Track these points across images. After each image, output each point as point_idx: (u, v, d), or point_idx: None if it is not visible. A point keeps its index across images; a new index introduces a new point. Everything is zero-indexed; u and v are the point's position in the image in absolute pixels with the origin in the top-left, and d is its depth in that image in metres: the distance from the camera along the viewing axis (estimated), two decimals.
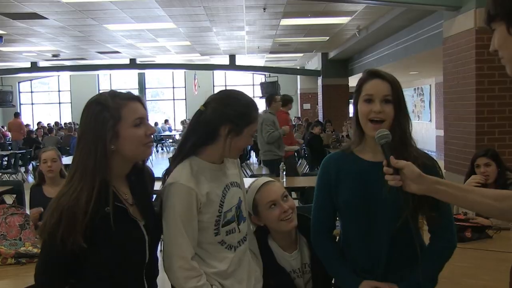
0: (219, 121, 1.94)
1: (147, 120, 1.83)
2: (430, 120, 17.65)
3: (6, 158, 12.06)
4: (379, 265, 1.99)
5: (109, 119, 1.70)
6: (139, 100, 1.82)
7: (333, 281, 2.33)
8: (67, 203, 1.63)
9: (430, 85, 17.84)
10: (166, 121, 23.75)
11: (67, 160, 9.52)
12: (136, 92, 1.99)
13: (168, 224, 1.87)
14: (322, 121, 14.03)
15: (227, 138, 1.93)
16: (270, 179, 2.36)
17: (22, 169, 13.00)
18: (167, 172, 1.98)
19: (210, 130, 1.95)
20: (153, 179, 2.00)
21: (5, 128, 20.42)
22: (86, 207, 1.63)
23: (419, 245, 1.91)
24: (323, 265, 2.25)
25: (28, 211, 4.25)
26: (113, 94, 1.78)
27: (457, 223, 3.20)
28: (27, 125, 19.12)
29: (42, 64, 18.06)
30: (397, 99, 1.90)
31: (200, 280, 1.88)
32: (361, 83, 1.97)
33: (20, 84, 25.19)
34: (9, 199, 4.60)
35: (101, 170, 1.68)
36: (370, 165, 1.98)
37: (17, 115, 18.31)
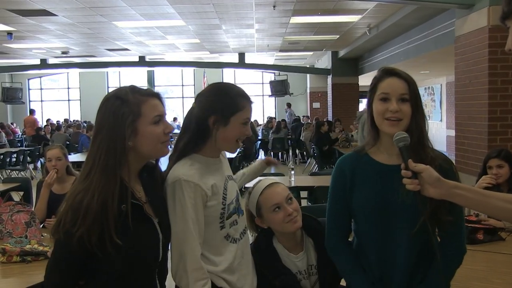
0: (206, 114, 1.93)
1: (165, 118, 1.79)
2: (441, 120, 17.54)
3: (15, 155, 12.10)
4: (396, 273, 1.94)
5: (129, 114, 1.66)
6: (159, 97, 1.78)
7: (340, 283, 2.29)
8: (91, 202, 1.58)
9: (441, 85, 17.73)
10: (175, 119, 23.78)
11: (75, 157, 9.61)
12: None
13: (176, 222, 1.85)
14: (331, 120, 13.99)
15: (214, 129, 1.92)
16: (274, 180, 2.32)
17: (31, 166, 13.06)
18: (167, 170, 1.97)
19: (199, 124, 1.94)
20: (164, 177, 1.96)
21: (15, 124, 20.58)
22: (114, 207, 1.60)
23: (438, 250, 1.85)
24: (330, 267, 2.21)
25: (33, 208, 4.25)
26: (133, 89, 1.74)
27: (469, 225, 3.14)
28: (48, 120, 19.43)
29: (51, 61, 18.13)
30: (414, 98, 1.85)
31: (206, 284, 1.86)
32: (376, 81, 1.92)
33: (30, 81, 25.34)
34: (16, 197, 4.62)
35: (121, 167, 1.65)
36: (385, 168, 1.93)
37: (32, 111, 18.51)
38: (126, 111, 1.66)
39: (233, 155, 8.50)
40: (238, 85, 2.06)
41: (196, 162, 1.93)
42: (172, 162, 1.96)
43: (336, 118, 14.24)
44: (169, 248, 1.92)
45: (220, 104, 1.92)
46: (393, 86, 1.86)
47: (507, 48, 1.28)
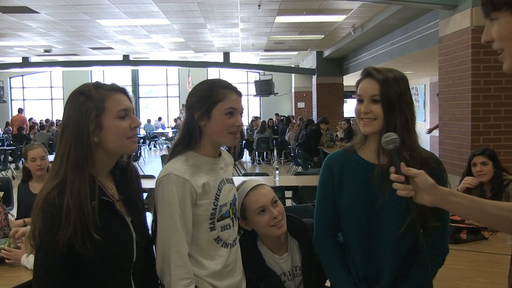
0: (191, 112, 1.93)
1: (133, 113, 1.76)
2: (425, 120, 17.67)
3: None
4: (382, 272, 1.94)
5: (92, 109, 1.65)
6: (124, 92, 1.77)
7: (326, 284, 2.28)
8: (68, 202, 1.56)
9: (425, 85, 17.86)
10: (159, 119, 23.69)
11: None
12: (129, 89, 1.96)
13: (162, 218, 1.83)
14: (316, 120, 13.99)
15: (202, 125, 1.91)
16: (259, 181, 2.29)
17: (12, 166, 12.89)
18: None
19: (187, 123, 1.95)
20: (138, 175, 1.94)
21: None
22: (88, 204, 1.58)
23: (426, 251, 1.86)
24: (315, 268, 2.20)
25: (15, 208, 4.20)
26: (97, 84, 1.73)
27: (453, 224, 3.15)
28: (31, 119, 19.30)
29: (33, 59, 17.91)
30: (385, 99, 1.86)
31: (189, 285, 1.83)
32: (357, 83, 1.97)
33: (12, 79, 25.03)
34: None
35: (88, 163, 1.63)
36: (373, 167, 1.92)
37: (20, 110, 18.30)
38: (89, 106, 1.65)
39: None
40: (223, 79, 2.03)
41: (190, 159, 1.91)
42: (165, 162, 1.95)
43: (322, 117, 14.24)
44: (153, 249, 1.90)
45: (200, 98, 1.92)
46: (365, 88, 1.91)
47: (485, 39, 1.27)
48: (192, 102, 1.93)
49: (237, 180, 2.25)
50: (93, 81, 1.83)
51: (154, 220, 1.92)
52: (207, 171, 1.92)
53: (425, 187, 1.60)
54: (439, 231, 1.92)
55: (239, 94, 1.97)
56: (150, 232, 1.94)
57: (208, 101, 1.89)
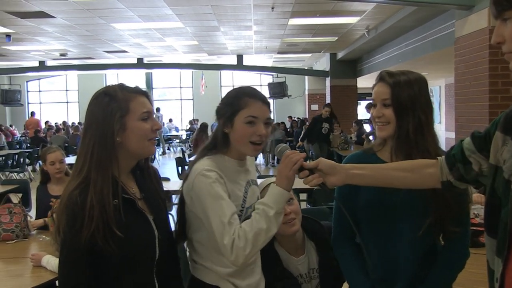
0: (217, 118, 1.94)
1: (153, 115, 1.80)
2: (440, 122, 17.54)
3: (15, 157, 12.09)
4: (399, 274, 1.93)
5: (117, 110, 1.68)
6: (146, 95, 1.80)
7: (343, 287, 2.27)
8: (91, 200, 1.59)
9: (440, 87, 17.74)
10: (170, 120, 23.69)
11: (74, 159, 9.54)
12: None
13: (206, 212, 1.77)
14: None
15: (228, 132, 1.89)
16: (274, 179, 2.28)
17: (29, 168, 13.03)
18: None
19: (217, 130, 1.95)
20: (158, 175, 1.97)
21: (13, 127, 20.58)
22: (110, 202, 1.61)
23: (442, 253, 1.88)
24: (332, 271, 2.19)
25: (34, 210, 4.26)
26: (121, 86, 1.76)
27: (471, 228, 3.11)
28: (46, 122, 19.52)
29: (49, 63, 18.10)
30: (396, 102, 1.87)
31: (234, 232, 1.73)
32: (372, 87, 2.00)
33: (28, 83, 25.30)
34: (15, 198, 4.60)
35: (112, 163, 1.66)
36: None
37: (33, 113, 18.47)
38: (114, 107, 1.68)
39: None
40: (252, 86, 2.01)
41: (217, 161, 1.88)
42: (191, 165, 1.93)
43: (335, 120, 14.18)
44: (176, 248, 1.92)
45: (225, 105, 1.91)
46: (377, 93, 1.92)
47: (497, 40, 1.25)
48: (219, 108, 1.93)
49: None
50: (107, 84, 1.86)
51: (180, 221, 1.93)
52: (234, 176, 1.91)
53: (328, 170, 1.68)
54: (459, 234, 1.90)
55: (264, 102, 1.90)
56: (173, 233, 1.95)
57: (231, 108, 1.88)
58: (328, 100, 17.58)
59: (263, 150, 1.97)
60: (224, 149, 1.92)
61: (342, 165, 1.73)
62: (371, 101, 2.01)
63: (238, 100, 1.88)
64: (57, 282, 2.31)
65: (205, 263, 1.90)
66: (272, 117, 1.97)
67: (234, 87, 2.04)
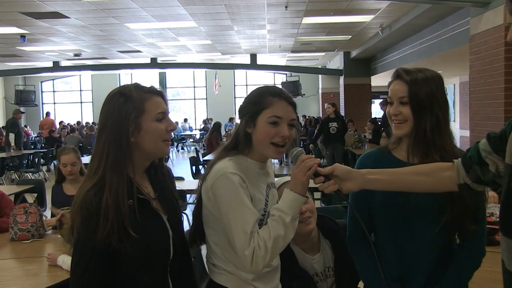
0: (240, 117, 1.88)
1: (168, 116, 1.78)
2: (454, 120, 17.40)
3: (30, 157, 12.21)
4: (415, 273, 1.91)
5: (132, 110, 1.66)
6: (162, 95, 1.78)
7: (358, 286, 2.25)
8: (107, 200, 1.59)
9: (454, 85, 17.59)
10: (185, 120, 23.82)
11: (88, 159, 9.61)
12: None
13: (228, 218, 1.72)
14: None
15: (248, 131, 1.82)
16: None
17: (44, 168, 13.15)
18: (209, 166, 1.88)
19: (238, 129, 1.88)
20: (172, 175, 1.96)
21: (28, 127, 20.79)
22: (125, 202, 1.61)
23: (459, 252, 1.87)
24: (348, 269, 2.18)
25: (49, 209, 4.28)
26: (137, 86, 1.74)
27: (487, 226, 3.07)
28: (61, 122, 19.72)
29: (64, 63, 18.26)
30: (414, 100, 1.84)
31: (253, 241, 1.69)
32: (388, 84, 1.97)
33: (43, 83, 25.53)
34: (30, 198, 4.63)
35: (127, 163, 1.66)
36: (406, 166, 1.89)
37: (48, 114, 18.66)
38: (129, 107, 1.66)
39: None
40: (278, 86, 1.97)
41: (239, 162, 1.81)
42: (210, 164, 1.86)
43: (349, 119, 14.13)
44: (189, 248, 1.89)
45: (248, 104, 1.84)
46: (394, 90, 1.90)
47: (510, 38, 1.23)
48: (242, 107, 1.87)
49: None
50: (121, 84, 1.84)
51: (196, 222, 1.88)
52: (255, 179, 1.84)
53: (344, 176, 1.67)
54: (476, 232, 1.88)
55: (289, 102, 1.82)
56: (186, 234, 1.92)
57: (254, 107, 1.81)
58: (342, 99, 17.53)
59: None
60: (246, 150, 1.85)
61: (357, 170, 1.71)
62: (385, 98, 1.99)
63: (262, 99, 1.81)
64: None
65: (227, 267, 1.82)
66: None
67: (248, 86, 2.00)
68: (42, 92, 25.61)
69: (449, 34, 9.52)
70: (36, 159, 12.17)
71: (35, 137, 19.11)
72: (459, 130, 16.68)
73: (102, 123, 1.70)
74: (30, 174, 11.96)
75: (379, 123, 12.11)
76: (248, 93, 1.92)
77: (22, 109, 17.84)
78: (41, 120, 20.54)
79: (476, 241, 1.91)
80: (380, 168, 1.89)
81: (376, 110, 18.16)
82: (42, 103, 25.31)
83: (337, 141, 10.96)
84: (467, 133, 7.89)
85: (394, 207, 1.91)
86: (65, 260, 2.83)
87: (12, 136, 13.98)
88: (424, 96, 1.84)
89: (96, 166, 1.66)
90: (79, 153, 4.18)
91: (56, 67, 18.18)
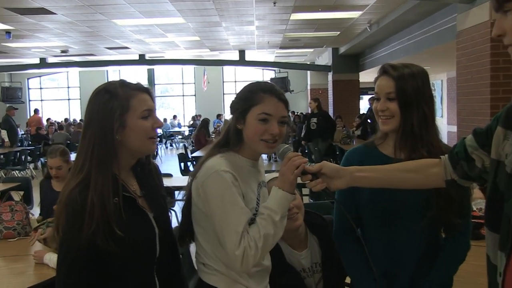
0: (231, 113, 1.86)
1: (155, 113, 1.76)
2: (442, 116, 17.51)
3: (17, 155, 12.11)
4: (401, 269, 1.93)
5: (117, 108, 1.65)
6: (148, 92, 1.76)
7: (346, 281, 2.26)
8: (92, 198, 1.57)
9: (442, 80, 17.70)
10: (174, 117, 23.76)
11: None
12: None
13: (219, 217, 1.70)
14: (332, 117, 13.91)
15: (238, 128, 1.80)
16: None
17: (31, 166, 13.05)
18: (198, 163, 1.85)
19: (229, 125, 1.87)
20: (159, 172, 1.94)
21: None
22: (110, 200, 1.59)
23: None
24: (335, 265, 2.19)
25: (36, 207, 4.25)
26: (122, 83, 1.73)
27: (472, 220, 3.10)
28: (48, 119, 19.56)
29: (51, 60, 18.09)
30: (401, 96, 1.85)
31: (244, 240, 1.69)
32: (375, 80, 1.96)
33: (29, 80, 25.31)
34: (17, 196, 4.60)
35: (112, 161, 1.64)
36: (393, 162, 1.89)
37: (36, 111, 18.52)
38: (115, 104, 1.65)
39: None
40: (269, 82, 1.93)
41: (230, 159, 1.79)
42: (201, 161, 1.83)
43: (338, 115, 14.17)
44: (177, 246, 1.87)
45: (239, 100, 1.82)
46: (381, 86, 1.90)
47: (497, 33, 1.23)
48: (233, 102, 1.85)
49: None
50: (109, 80, 1.82)
51: (186, 220, 1.86)
52: (247, 177, 1.82)
53: (332, 174, 1.66)
54: (461, 226, 1.90)
55: (280, 99, 1.79)
56: (175, 231, 1.91)
57: (244, 103, 1.79)
58: (330, 95, 17.56)
59: None
60: (237, 147, 1.83)
61: (345, 168, 1.70)
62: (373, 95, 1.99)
63: (252, 95, 1.79)
64: None
65: (218, 267, 1.79)
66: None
67: (237, 83, 1.99)
68: (28, 89, 25.39)
69: (436, 30, 9.57)
70: (23, 157, 12.06)
71: (22, 134, 18.94)
72: (446, 126, 16.78)
73: (88, 120, 1.69)
74: (17, 171, 11.86)
75: (368, 120, 12.12)
76: (241, 88, 1.90)
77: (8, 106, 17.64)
78: (29, 118, 20.37)
79: (461, 235, 1.93)
80: (367, 164, 1.89)
81: (365, 106, 18.21)
82: (29, 100, 25.09)
83: (317, 136, 10.93)
84: (454, 128, 7.96)
85: (380, 203, 1.91)
86: (51, 258, 2.81)
87: (4, 133, 13.85)
88: (411, 91, 1.84)
89: (81, 164, 1.65)
90: (68, 154, 4.08)
91: (43, 63, 18.01)
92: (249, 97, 1.80)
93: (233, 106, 1.85)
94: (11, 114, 14.21)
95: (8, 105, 15.74)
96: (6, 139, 13.59)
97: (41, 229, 3.16)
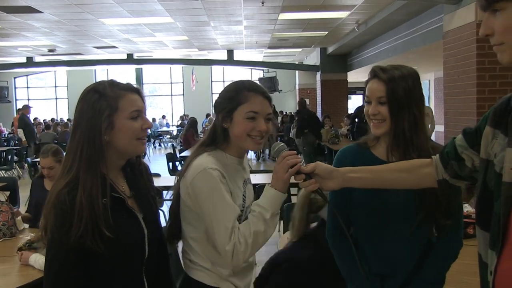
0: (216, 113, 1.88)
1: (145, 113, 1.75)
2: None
3: (3, 154, 11.99)
4: (394, 269, 1.94)
5: (106, 108, 1.63)
6: (138, 92, 1.75)
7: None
8: (81, 199, 1.56)
9: (429, 80, 17.82)
10: (163, 117, 23.70)
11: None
12: None
13: (209, 214, 1.72)
14: (320, 117, 13.97)
15: (227, 127, 1.83)
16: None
17: (18, 165, 12.93)
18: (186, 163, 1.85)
19: (214, 125, 1.89)
20: (149, 173, 1.93)
21: (1, 124, 20.40)
22: (99, 201, 1.58)
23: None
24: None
25: (24, 206, 4.20)
26: (111, 83, 1.71)
27: None
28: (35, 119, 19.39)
29: (38, 59, 17.93)
30: (393, 100, 1.85)
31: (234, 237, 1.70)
32: (365, 83, 1.97)
33: (16, 79, 25.08)
34: (2, 196, 4.56)
35: (100, 162, 1.63)
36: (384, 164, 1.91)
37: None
38: (103, 104, 1.64)
39: None
40: (252, 80, 1.96)
41: (217, 157, 1.81)
42: (188, 160, 1.84)
43: (326, 114, 14.21)
44: (167, 246, 1.88)
45: (224, 99, 1.84)
46: (372, 90, 1.90)
47: (485, 32, 1.22)
48: (218, 102, 1.87)
49: None
50: (97, 80, 1.81)
51: (174, 219, 1.86)
52: (234, 174, 1.85)
53: (325, 175, 1.66)
54: (452, 225, 1.91)
55: (265, 97, 1.83)
56: (164, 231, 1.91)
57: (230, 103, 1.81)
58: (319, 95, 17.59)
59: None
60: (223, 145, 1.85)
61: (338, 169, 1.70)
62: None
63: (238, 94, 1.81)
64: None
65: (204, 263, 1.82)
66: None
67: (225, 82, 1.99)
68: (15, 88, 25.16)
69: (423, 30, 9.63)
70: (9, 156, 11.95)
71: (8, 133, 18.77)
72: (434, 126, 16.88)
73: (76, 120, 1.68)
74: (3, 171, 11.76)
75: (356, 120, 12.14)
76: (223, 88, 1.91)
77: None
78: (14, 117, 20.14)
79: (453, 234, 1.94)
80: (359, 164, 1.89)
81: (353, 106, 18.27)
82: (16, 100, 24.86)
83: (298, 137, 11.29)
84: (442, 128, 8.00)
85: (372, 204, 1.92)
86: (37, 260, 2.79)
87: (21, 132, 13.92)
88: (402, 94, 1.84)
89: (70, 165, 1.64)
90: (61, 154, 4.02)
91: (30, 62, 17.85)
92: (235, 96, 1.81)
93: (218, 106, 1.86)
94: (26, 113, 14.23)
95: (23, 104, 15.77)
96: (24, 138, 13.59)
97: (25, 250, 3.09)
